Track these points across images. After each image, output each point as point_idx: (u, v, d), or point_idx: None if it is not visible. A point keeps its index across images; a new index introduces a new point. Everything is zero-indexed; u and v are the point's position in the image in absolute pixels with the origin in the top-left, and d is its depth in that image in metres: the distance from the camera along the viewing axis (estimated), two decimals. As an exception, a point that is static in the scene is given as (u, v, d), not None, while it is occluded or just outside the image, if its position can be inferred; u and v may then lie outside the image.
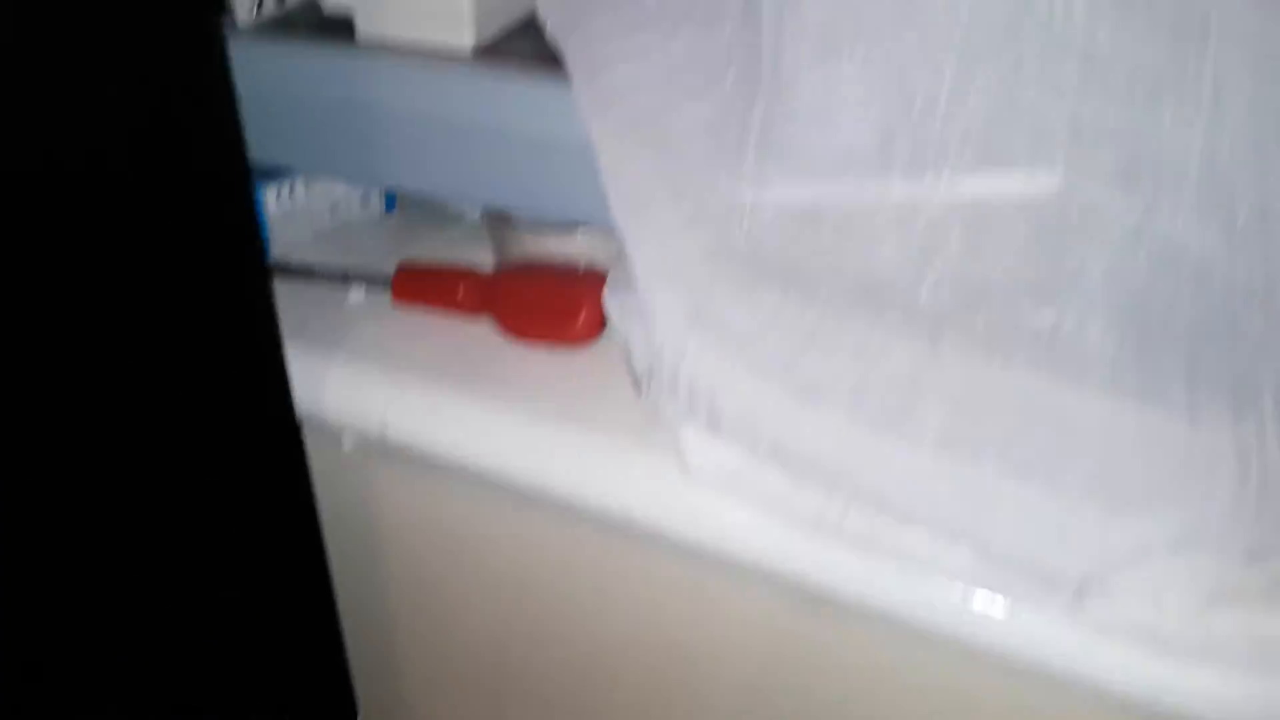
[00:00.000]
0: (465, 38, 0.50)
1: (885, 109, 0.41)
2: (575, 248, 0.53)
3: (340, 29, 0.52)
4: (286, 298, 0.48)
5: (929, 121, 0.40)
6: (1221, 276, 0.38)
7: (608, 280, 0.48)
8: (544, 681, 0.58)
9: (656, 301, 0.44)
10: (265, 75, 0.50)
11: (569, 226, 0.53)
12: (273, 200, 0.58)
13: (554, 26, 0.49)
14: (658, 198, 0.44)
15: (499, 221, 0.55)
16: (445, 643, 0.61)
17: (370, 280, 0.55)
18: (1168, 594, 0.38)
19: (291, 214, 0.59)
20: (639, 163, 0.45)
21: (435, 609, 0.60)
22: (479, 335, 0.53)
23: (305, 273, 0.56)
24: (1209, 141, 0.37)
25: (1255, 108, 0.38)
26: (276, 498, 0.51)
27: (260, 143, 0.44)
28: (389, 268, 0.55)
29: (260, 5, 0.53)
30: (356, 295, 0.55)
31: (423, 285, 0.54)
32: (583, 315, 0.50)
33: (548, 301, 0.51)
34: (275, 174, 0.57)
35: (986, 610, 0.41)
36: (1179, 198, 0.38)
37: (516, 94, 0.49)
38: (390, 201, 0.63)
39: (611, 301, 0.47)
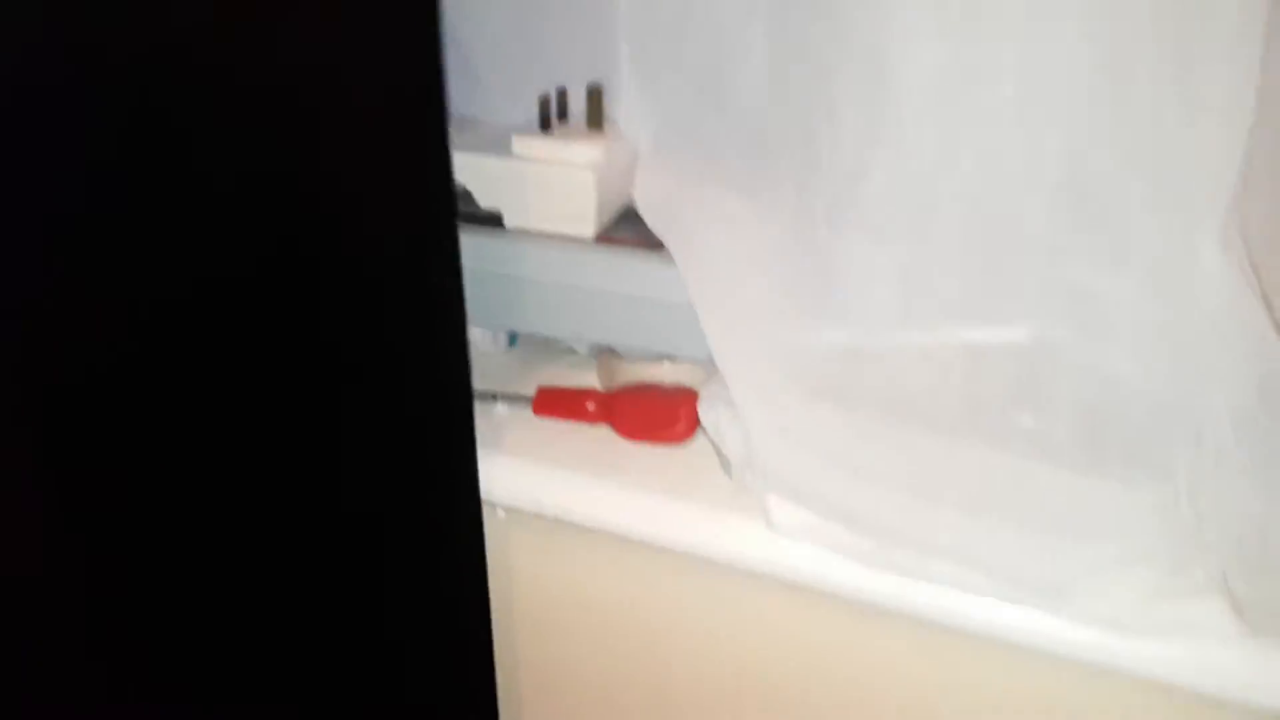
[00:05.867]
0: (588, 230, 0.69)
1: (908, 282, 0.59)
2: (663, 373, 0.72)
3: (493, 221, 0.72)
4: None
5: (942, 288, 0.58)
6: (1148, 395, 0.56)
7: (700, 397, 0.66)
8: (648, 694, 0.76)
9: (749, 412, 0.61)
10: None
11: (657, 357, 0.72)
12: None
13: (652, 221, 0.67)
14: (746, 341, 0.62)
15: (607, 354, 0.74)
16: (569, 667, 0.78)
17: (513, 399, 0.73)
18: (1119, 593, 0.56)
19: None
20: (730, 316, 0.62)
21: (560, 639, 0.77)
22: (601, 437, 0.71)
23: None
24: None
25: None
26: (462, 551, 0.70)
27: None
28: (523, 389, 0.73)
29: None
30: (502, 409, 0.73)
31: (559, 401, 0.72)
32: (681, 421, 0.69)
33: (654, 412, 0.70)
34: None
35: (993, 613, 0.60)
36: (1119, 345, 0.56)
37: (630, 267, 0.68)
38: (513, 339, 0.81)
39: (705, 412, 0.65)
